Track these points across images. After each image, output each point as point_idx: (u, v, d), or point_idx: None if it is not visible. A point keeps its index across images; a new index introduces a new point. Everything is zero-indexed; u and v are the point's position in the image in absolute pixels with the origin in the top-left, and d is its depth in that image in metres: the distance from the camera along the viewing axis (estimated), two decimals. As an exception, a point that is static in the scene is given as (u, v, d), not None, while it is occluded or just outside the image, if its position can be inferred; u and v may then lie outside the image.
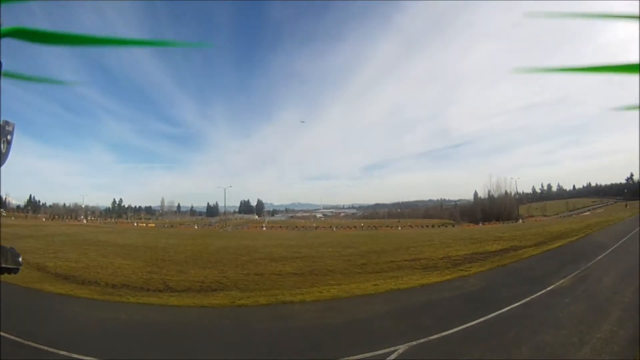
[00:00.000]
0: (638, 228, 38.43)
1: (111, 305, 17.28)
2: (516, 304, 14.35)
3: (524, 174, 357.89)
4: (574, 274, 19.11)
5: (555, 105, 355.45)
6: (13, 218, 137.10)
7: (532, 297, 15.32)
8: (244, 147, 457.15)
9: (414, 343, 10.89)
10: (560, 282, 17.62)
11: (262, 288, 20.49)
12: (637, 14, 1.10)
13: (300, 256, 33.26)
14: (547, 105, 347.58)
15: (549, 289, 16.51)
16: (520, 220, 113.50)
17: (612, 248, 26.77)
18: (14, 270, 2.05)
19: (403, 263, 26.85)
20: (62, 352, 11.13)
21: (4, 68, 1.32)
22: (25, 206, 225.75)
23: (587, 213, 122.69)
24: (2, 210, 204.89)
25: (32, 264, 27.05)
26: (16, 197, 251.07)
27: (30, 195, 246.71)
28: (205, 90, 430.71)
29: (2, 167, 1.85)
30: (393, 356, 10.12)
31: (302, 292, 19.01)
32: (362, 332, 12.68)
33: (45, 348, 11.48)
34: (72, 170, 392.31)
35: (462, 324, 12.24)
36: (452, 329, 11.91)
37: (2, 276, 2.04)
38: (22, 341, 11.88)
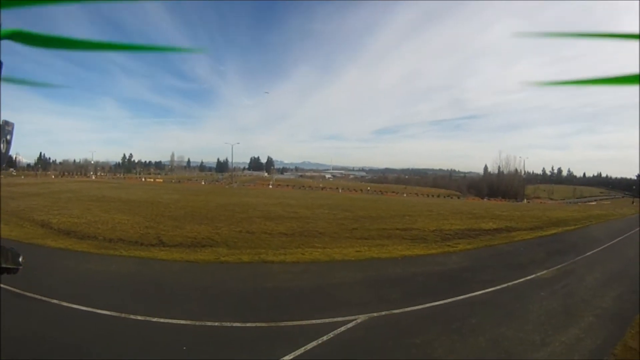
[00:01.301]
0: (638, 228, 37.85)
1: (104, 259, 18.01)
2: (490, 289, 14.34)
3: (536, 154, 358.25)
4: (558, 266, 18.87)
5: (575, 89, 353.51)
6: (23, 177, 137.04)
7: (509, 284, 15.23)
8: (256, 104, 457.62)
9: (375, 314, 11.15)
10: (543, 272, 17.39)
11: (249, 246, 21.12)
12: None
13: (295, 216, 34.00)
14: (567, 89, 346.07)
15: (528, 278, 16.32)
16: (525, 201, 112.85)
17: (606, 245, 26.49)
18: (14, 270, 2.08)
19: (394, 232, 27.17)
20: (53, 301, 11.81)
21: (3, 73, 1.36)
22: (36, 164, 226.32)
23: (593, 203, 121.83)
24: (12, 169, 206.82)
25: (37, 220, 27.78)
26: (26, 156, 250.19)
27: (41, 153, 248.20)
28: (219, 45, 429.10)
29: (2, 166, 1.83)
30: (350, 324, 10.37)
31: (285, 253, 19.53)
32: (328, 298, 13.03)
33: (39, 297, 12.11)
34: (83, 126, 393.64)
35: (429, 302, 12.37)
36: (417, 305, 12.08)
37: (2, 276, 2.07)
38: (20, 292, 12.51)
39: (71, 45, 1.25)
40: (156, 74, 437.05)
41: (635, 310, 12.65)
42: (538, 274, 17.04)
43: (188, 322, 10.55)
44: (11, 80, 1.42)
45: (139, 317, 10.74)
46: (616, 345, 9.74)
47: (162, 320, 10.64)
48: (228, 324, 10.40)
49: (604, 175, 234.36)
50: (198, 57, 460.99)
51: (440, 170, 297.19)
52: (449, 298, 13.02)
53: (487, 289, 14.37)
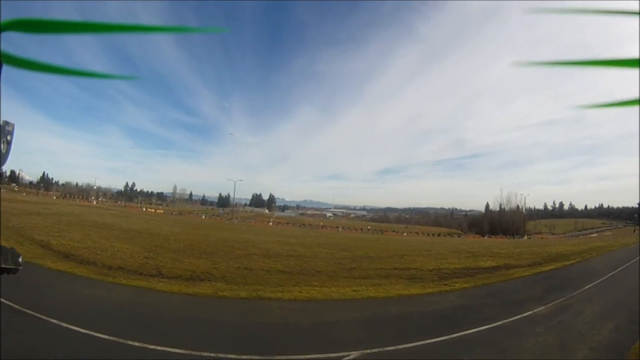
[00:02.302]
0: (638, 258, 37.66)
1: (103, 285, 18.33)
2: (485, 327, 14.26)
3: (537, 190, 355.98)
4: (556, 301, 18.81)
5: (572, 124, 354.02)
6: (24, 194, 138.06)
7: (505, 321, 15.16)
8: (259, 142, 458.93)
9: (367, 351, 11.26)
10: (540, 309, 17.31)
11: (247, 282, 21.20)
12: (637, 9, 1.08)
13: (294, 255, 33.83)
14: (564, 124, 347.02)
15: (524, 314, 16.29)
16: (526, 237, 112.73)
17: (605, 277, 26.47)
18: (14, 271, 2.07)
19: (391, 271, 27.17)
20: (52, 321, 12.08)
21: (4, 52, 1.23)
22: (38, 183, 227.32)
23: (594, 235, 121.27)
24: (15, 185, 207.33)
25: (37, 240, 28.20)
26: (30, 173, 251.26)
27: (44, 173, 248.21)
28: (225, 83, 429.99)
29: (2, 167, 1.85)
30: None
31: (282, 290, 19.61)
32: (323, 335, 13.21)
33: (39, 315, 12.37)
34: (87, 151, 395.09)
35: (422, 340, 12.42)
36: (410, 343, 12.13)
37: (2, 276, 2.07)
38: (20, 308, 12.74)
39: (78, 29, 1.22)
40: (161, 106, 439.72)
41: (633, 339, 12.74)
42: (535, 310, 17.00)
43: (185, 351, 10.78)
44: (13, 61, 1.29)
45: (137, 344, 10.98)
46: None
47: (159, 347, 10.89)
48: (223, 355, 10.60)
49: (605, 206, 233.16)
50: (203, 93, 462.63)
51: (442, 209, 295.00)
52: (442, 336, 13.03)
53: (482, 326, 14.33)
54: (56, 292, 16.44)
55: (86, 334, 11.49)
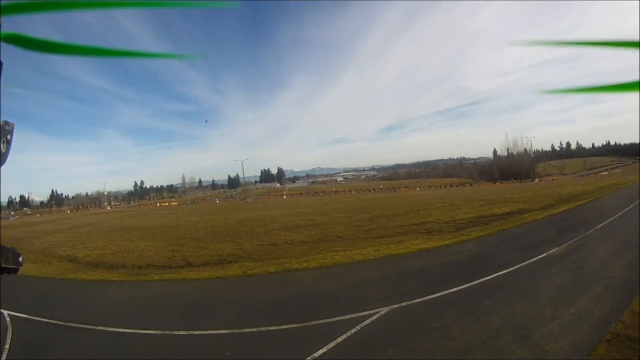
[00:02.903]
0: None
1: (137, 285, 19.08)
2: (503, 272, 14.90)
3: (543, 131, 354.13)
4: (569, 242, 19.10)
5: (570, 62, 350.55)
6: (38, 215, 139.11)
7: (522, 264, 15.72)
8: (259, 117, 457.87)
9: (396, 306, 11.95)
10: (554, 250, 17.66)
11: (273, 257, 21.89)
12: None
13: (313, 224, 34.58)
14: (562, 62, 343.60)
15: (540, 257, 16.68)
16: (537, 179, 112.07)
17: (617, 215, 26.56)
18: (14, 271, 1.97)
19: (410, 227, 27.79)
20: (99, 328, 12.70)
21: (3, 29, 1.24)
22: (49, 201, 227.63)
23: (604, 173, 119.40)
24: (27, 208, 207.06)
25: (64, 256, 28.63)
26: (38, 194, 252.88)
27: (52, 190, 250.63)
28: (214, 65, 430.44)
29: (2, 167, 1.68)
30: (375, 317, 11.21)
31: (308, 260, 20.34)
32: (352, 296, 13.79)
33: (83, 326, 13.02)
34: (90, 159, 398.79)
35: (445, 290, 13.13)
36: (434, 294, 12.82)
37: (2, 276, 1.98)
38: (64, 323, 13.45)
39: (67, 51, 1.24)
40: (155, 101, 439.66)
41: (645, 276, 12.79)
42: (549, 252, 17.34)
43: (227, 331, 11.43)
44: (14, 38, 1.29)
45: (182, 332, 11.64)
46: (624, 312, 10.10)
47: (203, 332, 11.55)
48: (264, 329, 11.26)
49: (612, 143, 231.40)
50: (195, 79, 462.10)
51: (450, 159, 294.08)
52: (464, 284, 13.74)
53: (500, 272, 14.98)
54: (94, 301, 16.94)
55: (132, 332, 12.21)
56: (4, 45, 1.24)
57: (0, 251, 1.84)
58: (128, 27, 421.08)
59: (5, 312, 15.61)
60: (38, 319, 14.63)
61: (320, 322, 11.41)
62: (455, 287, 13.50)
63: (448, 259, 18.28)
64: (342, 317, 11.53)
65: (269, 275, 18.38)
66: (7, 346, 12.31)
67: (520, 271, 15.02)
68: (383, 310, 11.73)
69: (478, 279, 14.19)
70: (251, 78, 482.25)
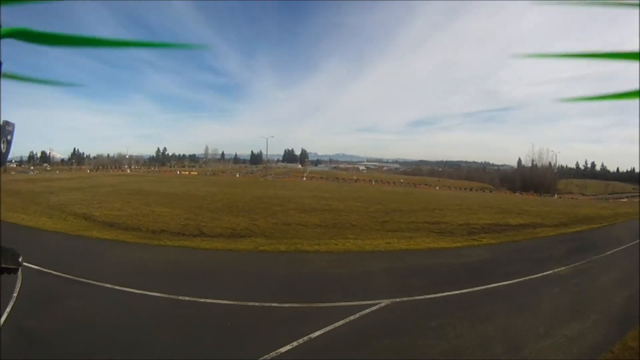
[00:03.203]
0: None
1: (150, 248, 19.41)
2: (507, 282, 14.92)
3: (570, 148, 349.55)
4: (576, 263, 18.80)
5: (606, 80, 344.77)
6: (58, 172, 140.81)
7: (526, 278, 15.65)
8: (289, 96, 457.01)
9: (397, 300, 12.20)
10: (560, 269, 17.48)
11: (285, 236, 22.28)
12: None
13: (329, 209, 34.97)
14: (599, 80, 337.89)
15: (545, 273, 16.59)
16: (556, 196, 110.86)
17: (628, 245, 25.50)
18: (14, 271, 2.15)
19: (423, 225, 27.89)
20: (107, 285, 13.12)
21: (3, 69, 1.35)
22: (70, 159, 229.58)
23: (624, 200, 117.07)
24: (47, 164, 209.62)
25: (79, 214, 28.92)
26: (60, 151, 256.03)
27: (74, 148, 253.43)
28: (249, 41, 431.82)
29: (2, 167, 1.94)
30: (375, 307, 11.51)
31: (319, 243, 20.63)
32: (357, 284, 14.10)
33: (93, 282, 13.43)
34: (116, 122, 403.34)
35: (448, 291, 13.27)
36: (437, 293, 13.00)
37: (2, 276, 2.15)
38: (74, 278, 13.89)
39: (71, 42, 1.30)
40: (186, 70, 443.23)
41: (644, 311, 12.89)
42: (555, 270, 17.24)
43: (232, 302, 11.82)
44: (11, 77, 1.43)
45: (187, 298, 12.04)
46: (616, 344, 10.05)
47: (208, 300, 11.94)
48: (267, 304, 11.63)
49: (637, 170, 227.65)
50: (227, 52, 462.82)
51: (474, 162, 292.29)
52: (467, 288, 13.83)
53: (504, 281, 14.92)
54: (106, 259, 17.43)
55: (140, 293, 12.59)
56: (4, 44, 1.32)
57: (0, 251, 2.04)
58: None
59: None
60: (48, 271, 15.07)
61: (322, 305, 11.77)
62: (458, 289, 13.62)
63: (456, 261, 18.43)
64: (344, 303, 11.83)
65: (280, 253, 18.74)
66: (15, 294, 12.77)
67: (523, 284, 14.94)
68: (384, 302, 12.00)
69: (482, 285, 14.27)
70: (284, 57, 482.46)
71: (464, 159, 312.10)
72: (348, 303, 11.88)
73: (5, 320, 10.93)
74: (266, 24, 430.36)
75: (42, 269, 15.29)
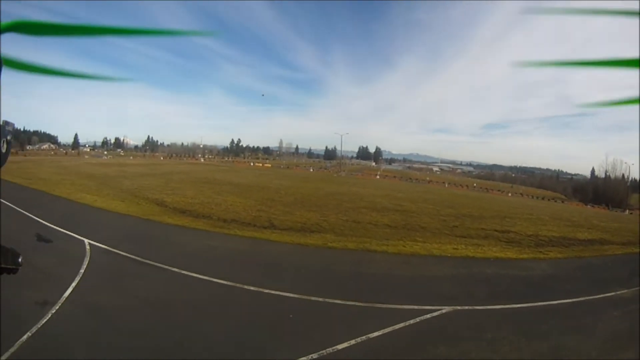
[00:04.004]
0: None
1: (220, 236, 20.23)
2: (567, 300, 14.58)
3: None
4: None
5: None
6: (132, 157, 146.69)
7: (587, 298, 15.18)
8: (364, 93, 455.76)
9: (459, 308, 12.47)
10: (623, 291, 16.63)
11: (355, 235, 22.60)
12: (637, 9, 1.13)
13: (400, 209, 35.24)
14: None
15: (607, 295, 15.90)
16: (627, 211, 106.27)
17: None
18: (14, 271, 2.12)
19: (492, 233, 27.74)
20: (174, 269, 14.14)
21: (4, 56, 1.33)
22: (143, 146, 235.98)
23: None
24: (120, 150, 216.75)
25: (152, 199, 30.49)
26: (134, 138, 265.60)
27: (149, 136, 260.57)
28: (324, 37, 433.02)
29: (2, 168, 1.82)
30: (436, 313, 11.87)
31: (387, 244, 20.87)
32: (421, 288, 14.46)
33: (161, 265, 14.34)
34: (191, 112, 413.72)
35: (509, 304, 13.42)
36: (497, 305, 13.15)
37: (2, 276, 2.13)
38: (142, 259, 14.68)
39: (73, 32, 1.30)
40: (261, 63, 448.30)
41: None
42: (618, 292, 16.54)
43: (296, 295, 12.55)
44: (13, 65, 1.41)
45: (252, 288, 12.83)
46: None
47: (272, 292, 12.71)
48: (331, 301, 12.29)
49: None
50: (302, 47, 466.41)
51: (548, 170, 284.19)
52: (528, 302, 13.86)
53: (564, 299, 14.75)
54: (175, 244, 18.27)
55: (206, 279, 13.33)
56: (4, 45, 1.33)
57: (0, 251, 2.03)
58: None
59: (86, 241, 16.93)
60: (117, 251, 16.14)
61: (384, 306, 12.19)
62: (518, 303, 13.65)
63: (520, 273, 18.28)
64: (405, 306, 12.21)
65: (348, 251, 19.19)
66: (82, 270, 13.51)
67: (583, 304, 14.62)
68: (445, 309, 12.30)
69: (542, 301, 14.14)
70: (359, 53, 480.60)
71: (537, 166, 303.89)
72: (410, 306, 12.23)
73: (70, 293, 11.72)
74: (341, 20, 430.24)
75: (111, 248, 16.46)
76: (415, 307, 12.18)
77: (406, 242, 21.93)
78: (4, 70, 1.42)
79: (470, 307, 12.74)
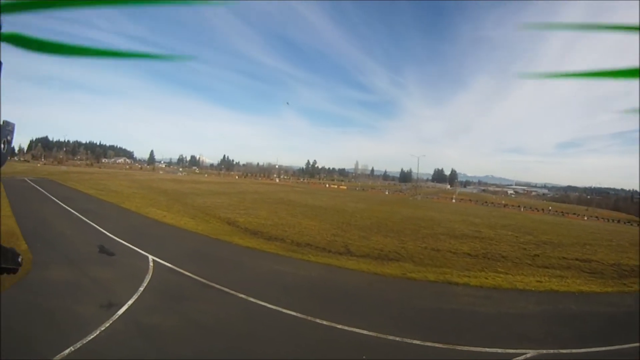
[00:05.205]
0: None
1: (292, 262, 19.83)
2: None
3: None
4: None
5: None
6: (206, 175, 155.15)
7: None
8: (438, 115, 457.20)
9: (544, 352, 11.66)
10: None
11: (434, 264, 21.95)
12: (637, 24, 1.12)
13: (479, 236, 34.54)
14: None
15: None
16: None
17: None
18: (14, 270, 2.11)
19: (573, 262, 26.56)
20: (240, 295, 13.91)
21: (3, 30, 1.29)
22: (219, 164, 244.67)
23: None
24: (195, 167, 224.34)
25: (223, 218, 30.76)
26: (210, 157, 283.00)
27: (224, 155, 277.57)
28: (395, 59, 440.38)
29: (2, 168, 1.83)
30: (520, 358, 11.14)
31: (469, 275, 20.18)
32: (505, 328, 13.53)
33: (226, 289, 14.06)
34: (267, 133, 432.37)
35: (593, 347, 12.44)
36: (582, 348, 12.21)
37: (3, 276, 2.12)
38: (206, 282, 14.29)
39: (68, 51, 1.28)
40: (335, 86, 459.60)
41: None
42: None
43: (371, 333, 12.03)
44: (14, 38, 1.32)
45: (325, 322, 12.44)
46: None
47: (345, 328, 12.22)
48: (409, 340, 11.75)
49: None
50: (375, 69, 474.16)
51: (622, 190, 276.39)
52: (615, 345, 12.77)
53: None
54: (244, 267, 18.06)
55: (274, 309, 12.85)
56: (4, 45, 1.32)
57: (0, 251, 2.01)
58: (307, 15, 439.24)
59: (150, 257, 16.75)
60: (181, 270, 16.15)
61: (465, 348, 11.52)
62: (605, 345, 12.66)
63: (605, 309, 17.07)
64: (488, 349, 11.55)
65: (428, 283, 18.48)
66: (141, 288, 13.13)
67: None
68: (530, 354, 11.51)
69: (628, 343, 12.98)
70: (431, 74, 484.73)
71: (612, 186, 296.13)
72: (492, 349, 11.59)
73: (124, 311, 11.70)
74: (411, 41, 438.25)
75: (175, 267, 16.53)
76: (499, 350, 11.56)
77: (488, 273, 21.26)
78: (11, 49, 1.35)
79: (555, 351, 11.93)
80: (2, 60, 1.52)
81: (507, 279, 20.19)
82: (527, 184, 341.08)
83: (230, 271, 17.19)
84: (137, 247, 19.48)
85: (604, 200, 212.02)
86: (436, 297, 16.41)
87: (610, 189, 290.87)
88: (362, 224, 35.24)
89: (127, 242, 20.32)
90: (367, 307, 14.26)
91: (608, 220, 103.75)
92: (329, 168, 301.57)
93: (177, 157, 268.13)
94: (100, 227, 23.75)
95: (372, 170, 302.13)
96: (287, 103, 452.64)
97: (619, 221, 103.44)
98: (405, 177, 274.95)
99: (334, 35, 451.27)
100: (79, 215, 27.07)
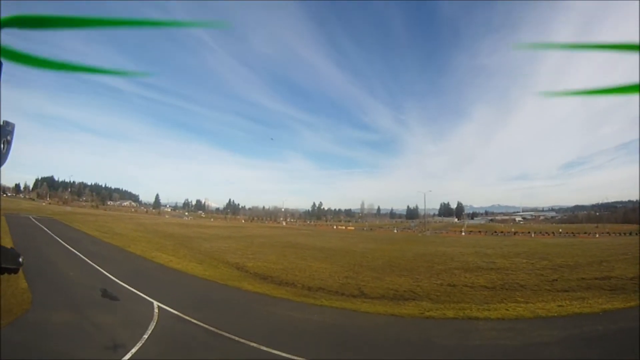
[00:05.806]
0: None
1: (305, 307, 19.04)
2: None
3: None
4: None
5: None
6: (212, 219, 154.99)
7: None
8: (441, 149, 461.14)
9: None
10: None
11: (452, 300, 21.27)
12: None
13: (494, 267, 33.82)
14: None
15: None
16: None
17: None
18: (14, 270, 2.14)
19: (593, 282, 26.04)
20: (251, 344, 13.14)
21: (3, 46, 1.27)
22: (225, 208, 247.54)
23: None
24: (201, 212, 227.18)
25: (232, 263, 30.46)
26: (215, 201, 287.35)
27: (230, 199, 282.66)
28: (396, 95, 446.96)
29: (2, 167, 1.81)
30: None
31: (489, 308, 19.39)
32: (531, 359, 13.00)
33: (236, 338, 13.59)
34: (272, 176, 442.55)
35: None
36: None
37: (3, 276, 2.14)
38: (216, 330, 13.75)
39: (74, 24, 1.23)
40: (338, 127, 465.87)
41: None
42: None
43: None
44: (13, 56, 1.32)
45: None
46: None
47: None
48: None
49: None
50: (376, 108, 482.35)
51: (630, 201, 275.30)
52: None
53: None
54: (255, 314, 17.43)
55: (288, 358, 12.10)
56: (4, 46, 1.28)
57: (0, 251, 2.05)
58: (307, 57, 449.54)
59: (155, 303, 16.26)
60: (188, 318, 15.57)
61: None
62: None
63: (630, 325, 16.52)
64: None
65: (447, 320, 17.78)
66: (145, 335, 12.55)
67: None
68: None
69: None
70: (431, 108, 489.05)
71: (619, 199, 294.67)
72: None
73: None
74: (409, 76, 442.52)
75: (181, 314, 15.96)
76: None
77: (508, 304, 20.60)
78: (5, 63, 1.46)
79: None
80: (1, 61, 1.50)
81: (528, 308, 19.59)
82: (534, 209, 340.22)
83: (240, 318, 16.65)
84: (141, 292, 19.15)
85: (612, 215, 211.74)
86: (458, 334, 15.79)
87: (617, 202, 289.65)
88: (374, 265, 34.75)
89: (131, 287, 20.05)
90: (386, 351, 13.71)
91: (619, 234, 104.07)
92: (335, 209, 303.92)
93: (183, 201, 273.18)
94: (104, 270, 23.60)
95: (379, 209, 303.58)
96: (272, 139, 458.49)
97: (630, 233, 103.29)
98: (411, 213, 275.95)
99: (336, 75, 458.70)
100: (83, 257, 27.00)
